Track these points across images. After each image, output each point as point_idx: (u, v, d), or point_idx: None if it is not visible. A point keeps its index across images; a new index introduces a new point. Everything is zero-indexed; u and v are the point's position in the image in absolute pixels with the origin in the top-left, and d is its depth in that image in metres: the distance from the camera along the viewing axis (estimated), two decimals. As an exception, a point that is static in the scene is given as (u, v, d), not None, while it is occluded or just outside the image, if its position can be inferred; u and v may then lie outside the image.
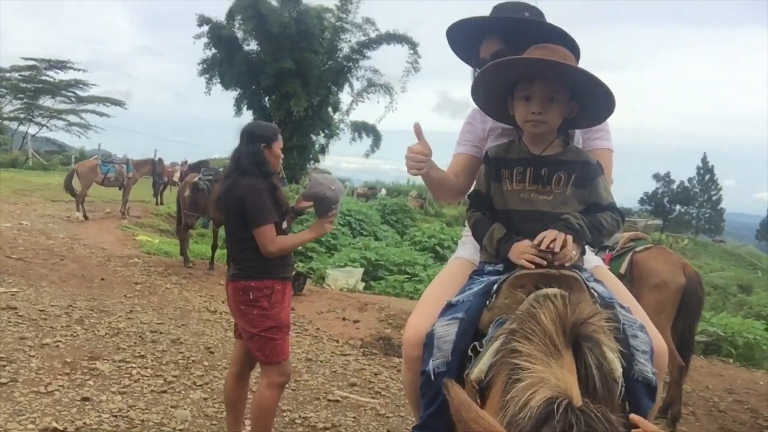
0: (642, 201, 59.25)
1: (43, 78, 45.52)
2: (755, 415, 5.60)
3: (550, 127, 2.03)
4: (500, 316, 1.76)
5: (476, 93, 2.14)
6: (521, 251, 1.92)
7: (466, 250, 2.37)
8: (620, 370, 1.63)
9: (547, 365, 1.32)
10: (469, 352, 1.82)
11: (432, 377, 1.88)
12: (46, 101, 46.29)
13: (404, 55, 22.45)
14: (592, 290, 1.90)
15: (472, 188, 2.28)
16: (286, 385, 4.69)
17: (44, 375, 4.46)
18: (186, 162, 23.33)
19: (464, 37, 2.42)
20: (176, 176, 22.47)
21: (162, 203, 19.69)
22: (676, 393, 5.04)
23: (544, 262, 1.87)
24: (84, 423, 3.76)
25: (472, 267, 2.24)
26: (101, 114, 47.56)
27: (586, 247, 2.17)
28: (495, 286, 1.92)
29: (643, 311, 2.21)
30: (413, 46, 22.06)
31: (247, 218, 3.26)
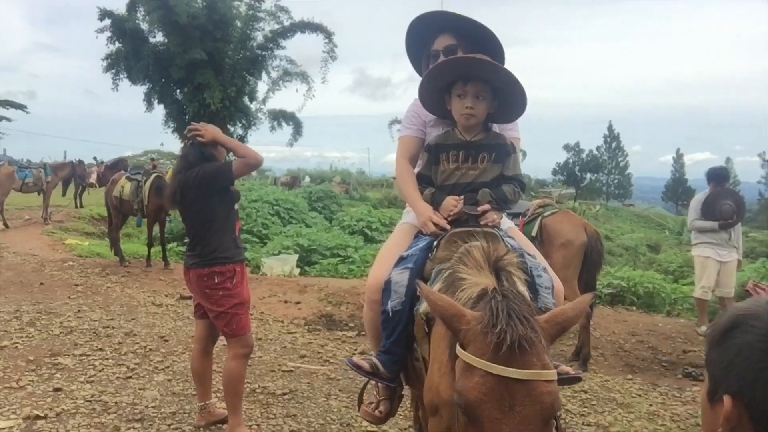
0: (555, 171, 61.72)
1: (-66, 83, 42.84)
2: (655, 352, 6.45)
3: (478, 120, 2.61)
4: (440, 264, 2.29)
5: (423, 87, 2.67)
6: (449, 205, 2.54)
7: (410, 216, 2.90)
8: (529, 298, 2.20)
9: (479, 277, 1.89)
10: (418, 293, 2.35)
11: (391, 314, 2.43)
12: (-62, 108, 43.56)
13: (320, 43, 22.40)
14: (506, 242, 2.47)
15: (416, 169, 2.82)
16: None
17: (11, 373, 4.71)
18: (102, 162, 22.83)
19: (422, 30, 2.89)
20: (93, 177, 21.96)
21: (82, 206, 19.24)
22: (585, 337, 5.80)
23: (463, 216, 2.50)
24: (62, 409, 4.08)
25: (415, 229, 2.78)
26: (1, 118, 45.20)
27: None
28: (435, 242, 2.49)
29: (544, 259, 2.81)
30: (328, 35, 22.11)
31: (220, 178, 3.69)
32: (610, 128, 65.84)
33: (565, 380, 2.44)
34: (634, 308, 8.35)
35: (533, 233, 6.00)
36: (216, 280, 3.69)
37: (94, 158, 25.85)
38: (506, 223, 2.91)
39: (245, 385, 4.71)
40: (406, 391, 2.86)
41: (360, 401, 2.82)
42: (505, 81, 2.50)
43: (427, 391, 2.15)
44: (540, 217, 6.15)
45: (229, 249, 3.77)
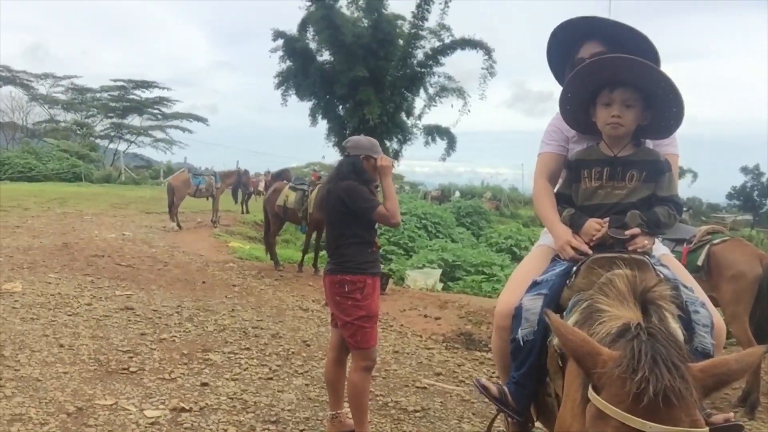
0: (730, 195, 56.69)
1: (131, 97, 48.42)
2: (840, 404, 5.57)
3: (626, 130, 2.34)
4: (578, 293, 2.08)
5: (564, 98, 2.46)
6: (591, 230, 2.32)
7: (548, 238, 2.68)
8: (681, 337, 1.93)
9: (621, 310, 1.66)
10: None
11: (521, 343, 2.25)
12: (134, 119, 49.25)
13: (479, 59, 22.29)
14: (658, 272, 2.20)
15: (557, 188, 2.63)
16: (377, 373, 5.16)
17: (166, 364, 5.06)
18: (269, 172, 24.40)
19: (567, 38, 2.67)
20: (261, 186, 23.53)
21: (248, 212, 20.64)
22: (755, 381, 5.14)
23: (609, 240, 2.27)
24: (206, 404, 4.30)
25: (553, 252, 2.56)
26: (185, 129, 50.04)
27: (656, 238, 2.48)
28: (575, 268, 2.27)
29: (703, 293, 2.47)
30: (488, 51, 21.95)
31: (358, 213, 3.74)
32: (797, 150, 59.22)
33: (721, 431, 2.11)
34: (819, 354, 7.31)
35: (699, 262, 5.43)
36: (346, 289, 3.72)
37: (268, 170, 27.73)
38: (660, 249, 2.61)
39: (378, 398, 4.73)
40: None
41: None
42: (658, 86, 2.22)
43: (557, 431, 1.96)
44: (708, 245, 5.56)
45: (364, 261, 3.78)
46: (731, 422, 2.08)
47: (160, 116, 50.03)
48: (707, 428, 1.35)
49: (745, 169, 55.89)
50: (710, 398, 1.49)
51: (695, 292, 2.32)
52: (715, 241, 5.58)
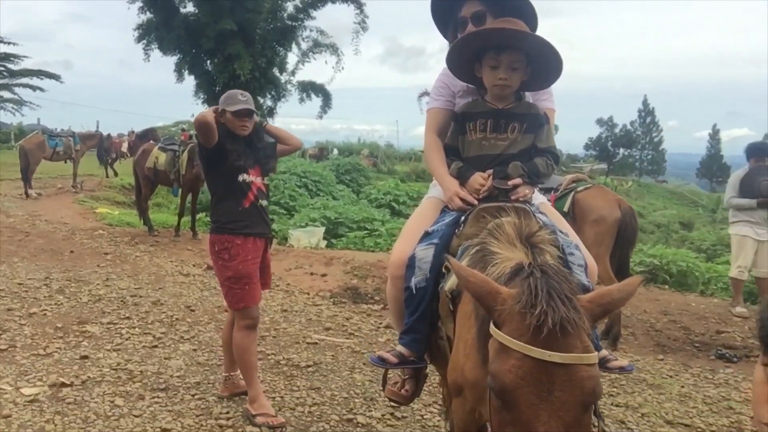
0: (587, 146, 60.59)
1: (-31, 54, 43.52)
2: (688, 332, 6.28)
3: (512, 90, 2.48)
4: (467, 240, 2.19)
5: (451, 56, 2.53)
6: (476, 183, 2.44)
7: (437, 190, 2.79)
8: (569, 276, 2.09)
9: (512, 252, 1.79)
10: (443, 269, 2.26)
11: (414, 291, 2.35)
12: (-26, 79, 44.38)
13: (350, 14, 22.10)
14: (538, 219, 2.36)
15: (445, 141, 2.70)
16: (267, 333, 5.16)
17: (39, 340, 4.76)
18: (133, 132, 23.04)
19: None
20: (124, 147, 22.20)
21: (116, 175, 19.49)
22: (616, 316, 5.66)
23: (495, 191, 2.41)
24: (88, 377, 4.11)
25: (442, 203, 2.67)
26: (35, 88, 45.78)
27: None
28: (463, 218, 2.40)
29: (577, 236, 2.68)
30: (359, 5, 21.80)
31: (200, 147, 3.64)
32: (644, 102, 64.45)
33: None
34: (667, 287, 8.16)
35: (565, 209, 5.84)
36: (216, 248, 3.65)
37: (132, 130, 26.11)
38: (538, 198, 2.79)
39: (269, 357, 4.74)
40: (433, 369, 2.79)
41: (384, 381, 2.76)
42: (539, 48, 2.36)
43: (451, 371, 2.08)
44: (572, 193, 5.99)
45: (231, 220, 3.62)
46: (626, 369, 2.34)
47: (6, 74, 45.35)
48: (596, 354, 1.49)
49: (600, 121, 59.84)
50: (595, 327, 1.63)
51: (570, 236, 2.52)
52: (579, 189, 6.02)
